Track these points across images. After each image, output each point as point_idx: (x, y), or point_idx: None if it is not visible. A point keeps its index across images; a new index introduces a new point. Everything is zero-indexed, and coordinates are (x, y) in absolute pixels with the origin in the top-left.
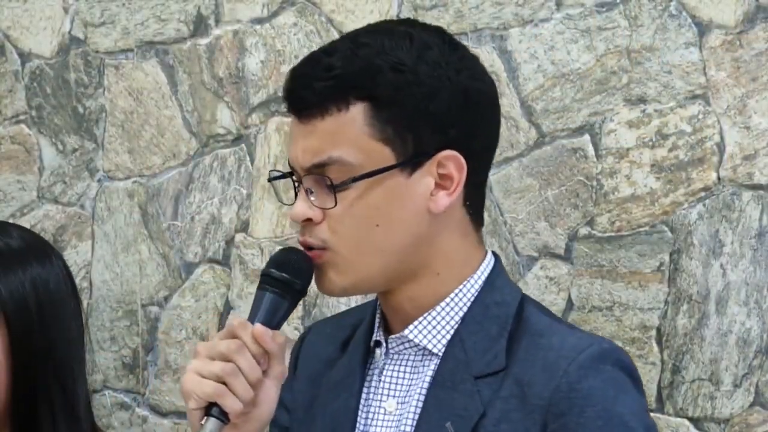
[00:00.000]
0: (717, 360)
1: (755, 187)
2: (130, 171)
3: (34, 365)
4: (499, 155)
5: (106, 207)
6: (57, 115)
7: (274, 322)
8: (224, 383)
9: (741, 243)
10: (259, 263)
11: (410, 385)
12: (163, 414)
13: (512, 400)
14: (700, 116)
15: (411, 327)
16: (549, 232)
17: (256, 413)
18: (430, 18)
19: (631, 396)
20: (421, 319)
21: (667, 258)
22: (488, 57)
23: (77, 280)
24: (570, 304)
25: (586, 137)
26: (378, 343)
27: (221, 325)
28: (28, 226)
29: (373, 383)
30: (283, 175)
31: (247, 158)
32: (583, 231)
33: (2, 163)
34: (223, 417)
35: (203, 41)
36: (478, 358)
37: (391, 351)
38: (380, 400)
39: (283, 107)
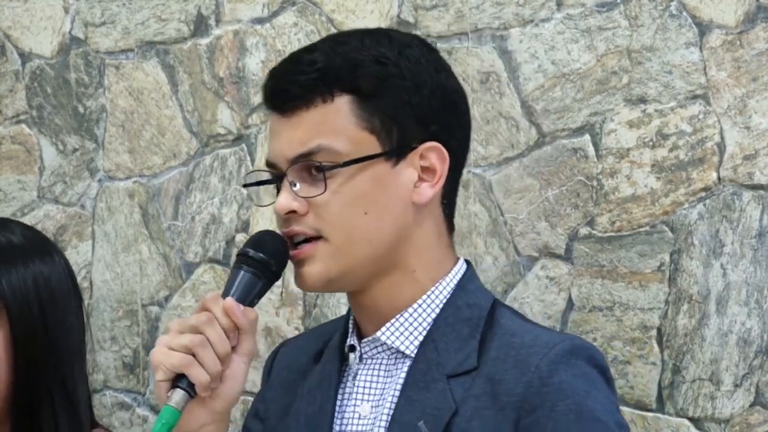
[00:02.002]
0: (717, 360)
1: (756, 187)
2: (130, 171)
3: (36, 361)
4: (499, 155)
5: (107, 207)
6: (57, 115)
7: (248, 299)
8: (193, 355)
9: (741, 243)
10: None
11: (384, 388)
12: None
13: (484, 397)
14: (701, 116)
15: (383, 329)
16: (549, 232)
17: (224, 390)
18: (430, 18)
19: (603, 392)
20: (393, 320)
21: (667, 258)
22: (488, 57)
23: (78, 280)
24: (570, 304)
25: (587, 137)
26: (352, 348)
27: None
28: None
29: (348, 388)
30: (262, 182)
31: (248, 158)
32: (584, 231)
33: (3, 163)
34: (190, 389)
35: (204, 41)
36: (450, 358)
37: (365, 356)
38: (354, 405)
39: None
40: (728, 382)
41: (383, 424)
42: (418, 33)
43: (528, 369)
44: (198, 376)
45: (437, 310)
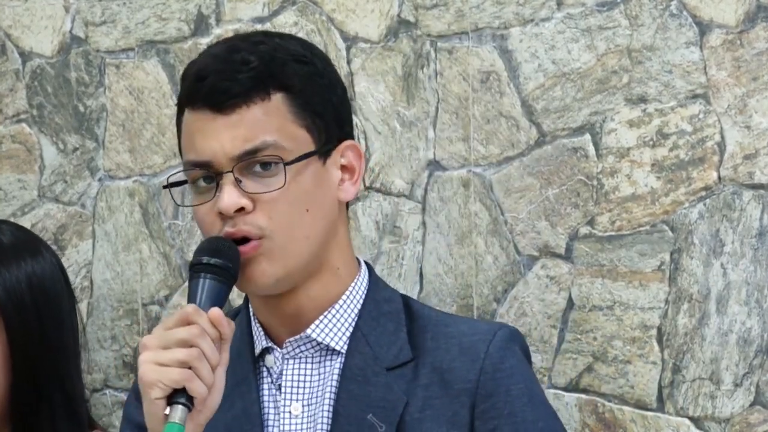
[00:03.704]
0: (717, 359)
1: (756, 186)
2: (130, 170)
3: (33, 363)
4: (499, 154)
5: (107, 206)
6: (58, 114)
7: (219, 306)
8: (189, 369)
9: (741, 242)
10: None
11: (315, 386)
12: None
13: (433, 387)
14: (701, 116)
15: (313, 326)
16: (550, 232)
17: (209, 401)
18: (430, 17)
19: (535, 375)
20: (321, 317)
21: (667, 257)
22: (489, 56)
23: (78, 279)
24: (570, 303)
25: (587, 137)
26: (266, 351)
27: None
28: (28, 225)
29: (269, 390)
30: (185, 182)
31: None
32: (584, 230)
33: (3, 162)
34: (189, 403)
35: (204, 40)
36: (384, 352)
37: (286, 356)
38: (284, 405)
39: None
40: (728, 382)
41: (325, 420)
42: (418, 32)
43: (478, 356)
44: (198, 389)
45: (359, 305)
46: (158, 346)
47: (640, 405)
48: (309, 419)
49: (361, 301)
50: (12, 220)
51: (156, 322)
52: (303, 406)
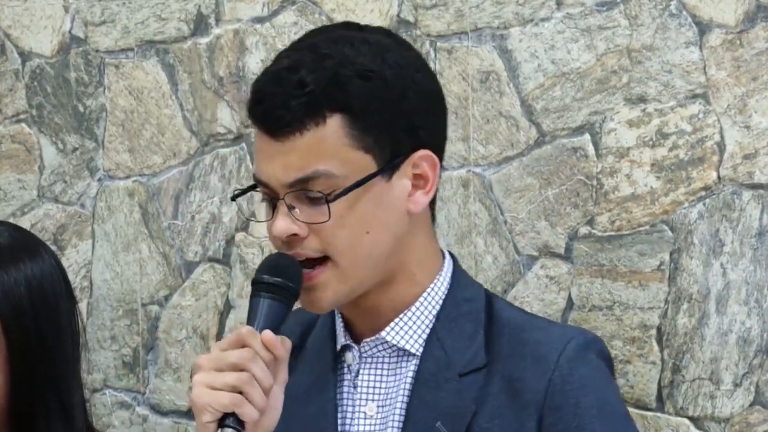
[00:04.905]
0: (717, 359)
1: (755, 186)
2: (130, 170)
3: (30, 368)
4: (499, 154)
5: (107, 206)
6: (57, 114)
7: (277, 327)
8: (240, 393)
9: (741, 242)
10: (260, 262)
11: (390, 388)
12: (164, 413)
13: (502, 396)
14: (701, 115)
15: (387, 329)
16: (549, 232)
17: (265, 421)
18: (430, 17)
19: (613, 384)
20: (397, 320)
21: (667, 257)
22: (488, 56)
23: (77, 279)
24: (570, 303)
25: (587, 136)
26: (347, 348)
27: (221, 325)
28: (28, 225)
29: (347, 388)
30: (249, 189)
31: (248, 157)
32: (584, 230)
33: (3, 162)
34: (239, 427)
35: (203, 40)
36: (458, 356)
37: (364, 355)
38: (359, 405)
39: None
40: (728, 382)
41: (396, 424)
42: (418, 32)
43: (548, 366)
44: (249, 413)
45: (438, 306)
46: (211, 368)
47: (640, 405)
48: (382, 421)
49: (440, 302)
50: (11, 220)
51: (155, 323)
52: (378, 407)
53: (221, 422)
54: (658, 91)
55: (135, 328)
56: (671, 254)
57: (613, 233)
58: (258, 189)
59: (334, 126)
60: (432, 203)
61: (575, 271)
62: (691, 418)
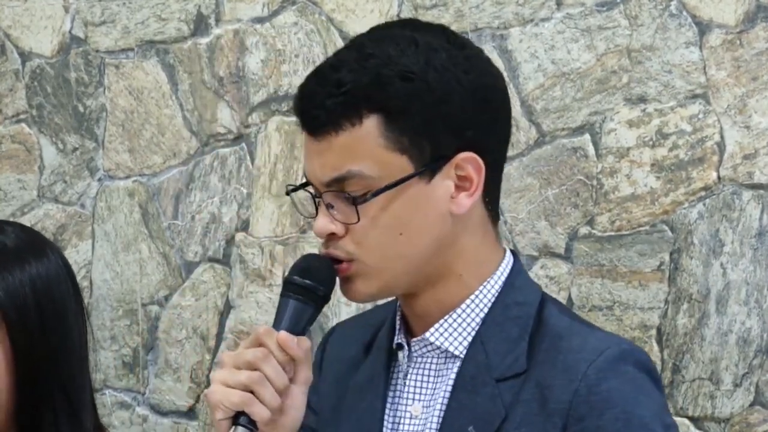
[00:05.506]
0: (717, 359)
1: (755, 186)
2: (130, 170)
3: (36, 369)
4: None
5: (107, 206)
6: (57, 114)
7: (299, 328)
8: (251, 392)
9: (741, 242)
10: (259, 262)
11: (434, 389)
12: (163, 413)
13: (533, 403)
14: (701, 116)
15: (432, 330)
16: (549, 232)
17: (285, 420)
18: (430, 17)
19: (651, 396)
20: (442, 321)
21: (667, 257)
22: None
23: (77, 279)
24: (570, 303)
25: (587, 136)
26: (400, 346)
27: (221, 325)
28: (27, 225)
29: (398, 387)
30: (300, 186)
31: (248, 157)
32: (584, 230)
33: (3, 162)
34: (251, 426)
35: (204, 40)
36: (498, 361)
37: (414, 354)
38: (406, 404)
39: (284, 107)
40: (728, 382)
41: (435, 426)
42: None
43: (576, 376)
44: (259, 412)
45: (485, 310)
46: (231, 365)
47: None
48: (423, 422)
49: (489, 305)
50: (11, 220)
51: (155, 323)
52: (423, 407)
53: (235, 420)
54: (658, 91)
55: (135, 328)
56: (671, 254)
57: (613, 233)
58: (306, 185)
59: (370, 127)
60: (492, 203)
61: (575, 271)
62: (691, 418)
